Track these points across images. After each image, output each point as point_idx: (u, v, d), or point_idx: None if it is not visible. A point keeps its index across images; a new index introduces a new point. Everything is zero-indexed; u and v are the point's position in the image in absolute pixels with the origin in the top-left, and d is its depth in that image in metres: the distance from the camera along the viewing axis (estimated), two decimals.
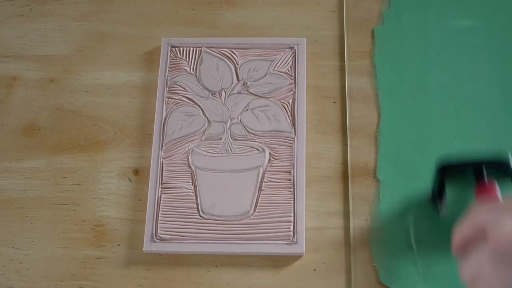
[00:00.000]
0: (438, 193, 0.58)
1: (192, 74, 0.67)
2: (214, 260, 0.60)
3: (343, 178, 0.63)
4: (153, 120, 0.65)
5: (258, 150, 0.63)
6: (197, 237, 0.60)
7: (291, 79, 0.66)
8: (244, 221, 0.60)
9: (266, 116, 0.65)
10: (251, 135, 0.64)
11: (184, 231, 0.60)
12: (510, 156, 0.57)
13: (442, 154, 0.60)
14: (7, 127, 0.67)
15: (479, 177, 0.57)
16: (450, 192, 0.59)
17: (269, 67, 0.67)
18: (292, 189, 0.61)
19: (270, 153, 0.63)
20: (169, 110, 0.65)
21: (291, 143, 0.63)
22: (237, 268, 0.60)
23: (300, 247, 0.59)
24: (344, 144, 0.64)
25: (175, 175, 0.63)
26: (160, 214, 0.61)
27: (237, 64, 0.67)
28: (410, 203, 0.60)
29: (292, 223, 0.60)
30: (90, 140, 0.66)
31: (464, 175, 0.59)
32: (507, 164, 0.57)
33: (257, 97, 0.66)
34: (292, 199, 0.61)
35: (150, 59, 0.69)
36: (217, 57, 0.68)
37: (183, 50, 0.68)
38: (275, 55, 0.67)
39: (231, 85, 0.66)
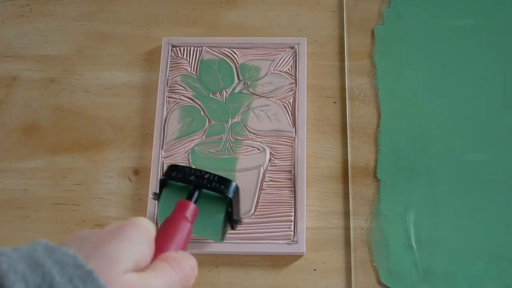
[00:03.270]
0: (159, 192, 0.53)
1: (193, 74, 0.67)
2: (214, 260, 0.60)
3: (343, 178, 0.63)
4: (154, 120, 0.65)
5: (258, 149, 0.63)
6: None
7: (292, 78, 0.66)
8: (245, 220, 0.60)
9: (266, 115, 0.65)
10: (251, 134, 0.64)
11: None
12: (233, 185, 0.51)
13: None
14: (7, 127, 0.67)
15: (191, 193, 0.49)
16: (168, 195, 0.52)
17: (270, 66, 0.67)
18: (292, 189, 0.61)
19: (270, 152, 0.63)
20: (169, 109, 0.65)
21: (292, 143, 0.63)
22: (237, 268, 0.60)
23: (300, 247, 0.59)
24: (344, 144, 0.64)
25: None
26: None
27: (238, 63, 0.67)
28: None
29: (292, 223, 0.60)
30: (90, 140, 0.66)
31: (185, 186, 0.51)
32: (226, 189, 0.51)
33: (258, 96, 0.65)
34: (293, 199, 0.61)
35: (151, 59, 0.69)
36: (218, 56, 0.68)
37: (183, 49, 0.68)
38: (275, 54, 0.67)
39: (231, 84, 0.66)
